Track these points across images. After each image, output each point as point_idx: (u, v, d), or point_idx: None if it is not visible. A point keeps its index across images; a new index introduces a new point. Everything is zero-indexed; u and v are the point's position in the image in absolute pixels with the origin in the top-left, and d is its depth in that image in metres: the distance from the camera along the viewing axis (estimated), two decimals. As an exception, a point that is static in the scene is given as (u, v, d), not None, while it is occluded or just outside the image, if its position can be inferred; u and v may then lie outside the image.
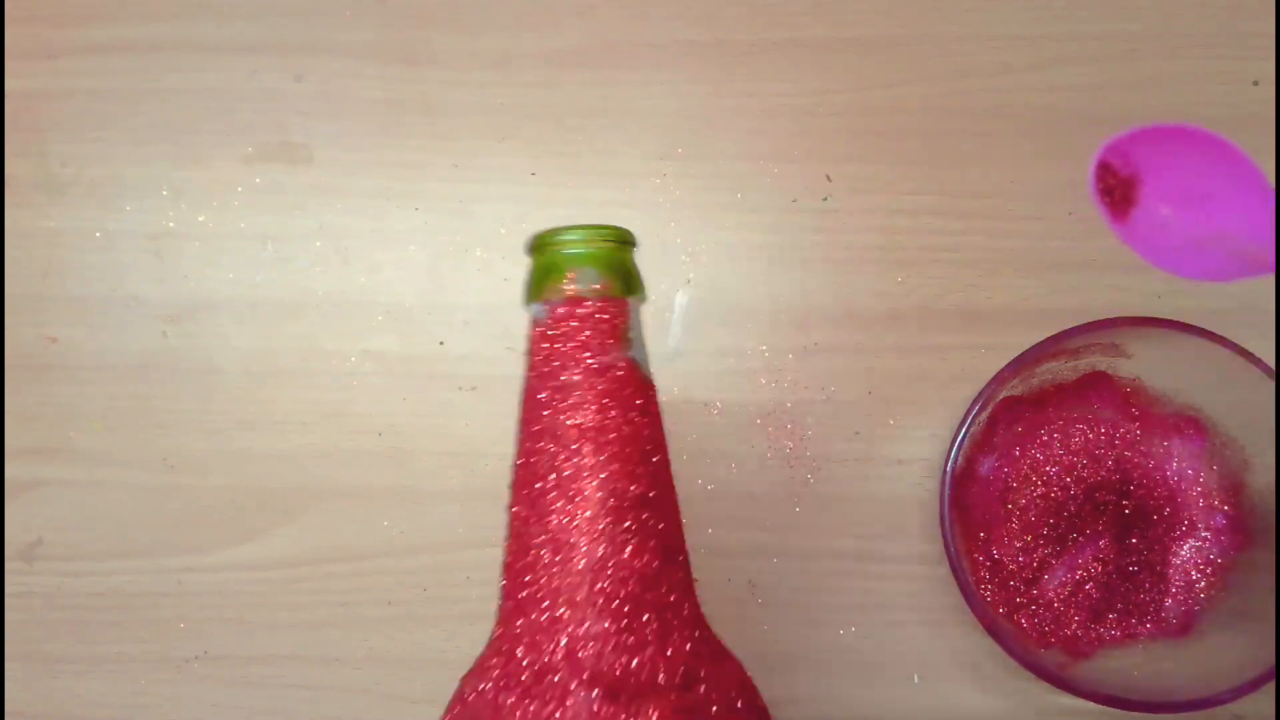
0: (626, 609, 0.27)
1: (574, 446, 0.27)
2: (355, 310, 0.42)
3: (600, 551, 0.27)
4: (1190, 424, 0.38)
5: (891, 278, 0.41)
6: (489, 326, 0.42)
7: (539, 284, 0.29)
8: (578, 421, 0.27)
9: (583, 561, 0.27)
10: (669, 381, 0.42)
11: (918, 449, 0.41)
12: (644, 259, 0.42)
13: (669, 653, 0.27)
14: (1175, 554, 0.38)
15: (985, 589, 0.38)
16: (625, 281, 0.29)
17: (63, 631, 0.42)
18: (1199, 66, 0.42)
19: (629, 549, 0.27)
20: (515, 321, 0.42)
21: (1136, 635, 0.37)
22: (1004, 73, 0.42)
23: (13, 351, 0.43)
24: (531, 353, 0.29)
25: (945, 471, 0.35)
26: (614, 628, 0.26)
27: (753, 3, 0.43)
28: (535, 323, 0.29)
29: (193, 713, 0.41)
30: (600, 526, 0.27)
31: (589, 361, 0.28)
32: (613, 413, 0.28)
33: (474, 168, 0.43)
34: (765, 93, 0.43)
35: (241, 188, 0.43)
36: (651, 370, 0.30)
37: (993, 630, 0.34)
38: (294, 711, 0.41)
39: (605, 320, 0.28)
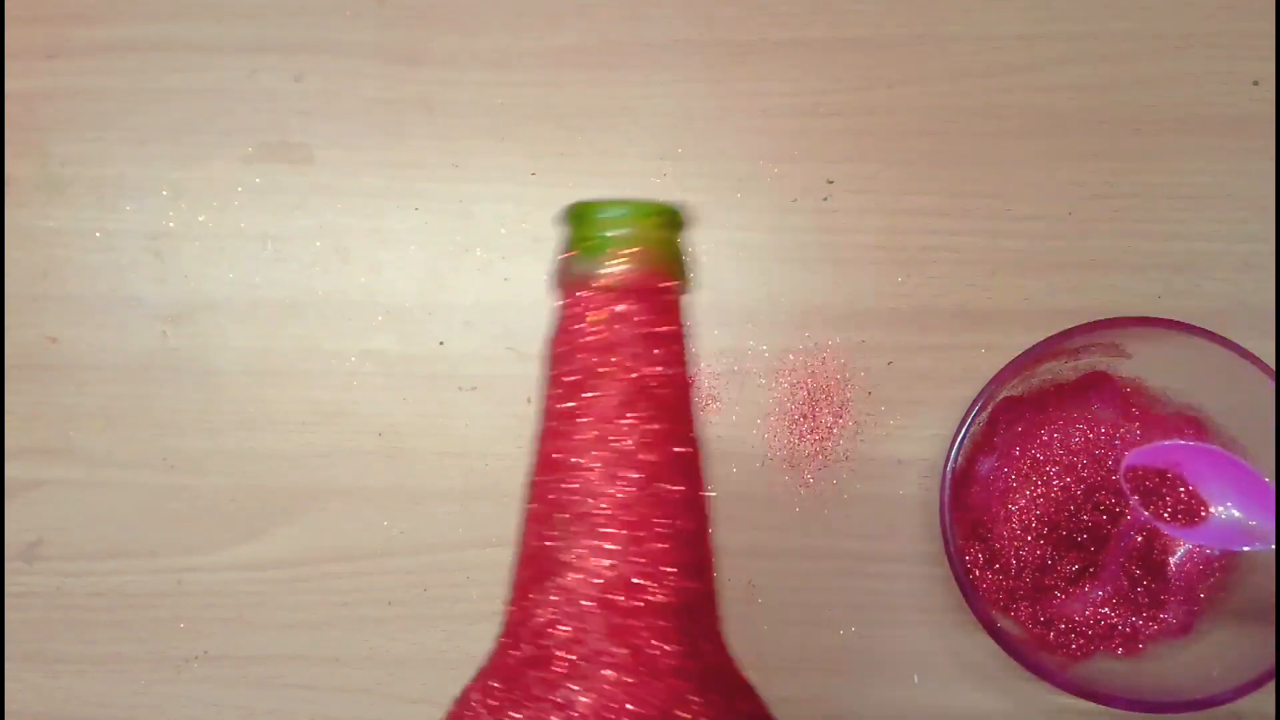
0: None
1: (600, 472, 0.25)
2: (355, 310, 0.42)
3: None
4: (1190, 424, 0.38)
5: (891, 278, 0.41)
6: (489, 326, 0.42)
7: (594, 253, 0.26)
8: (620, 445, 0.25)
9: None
10: (669, 381, 0.42)
11: (918, 449, 0.41)
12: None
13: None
14: (1175, 554, 0.38)
15: (985, 589, 0.38)
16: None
17: (63, 631, 0.42)
18: (1199, 66, 0.42)
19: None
20: (515, 321, 0.42)
21: (1137, 635, 0.37)
22: (1004, 73, 0.42)
23: (13, 351, 0.43)
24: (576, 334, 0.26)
25: (945, 471, 0.35)
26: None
27: (753, 3, 0.43)
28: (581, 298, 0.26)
29: (193, 713, 0.41)
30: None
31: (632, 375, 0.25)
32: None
33: (474, 168, 0.43)
34: (765, 93, 0.43)
35: (241, 188, 0.43)
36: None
37: (993, 630, 0.34)
38: (294, 711, 0.41)
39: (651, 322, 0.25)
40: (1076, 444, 0.39)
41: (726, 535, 0.41)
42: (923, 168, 0.42)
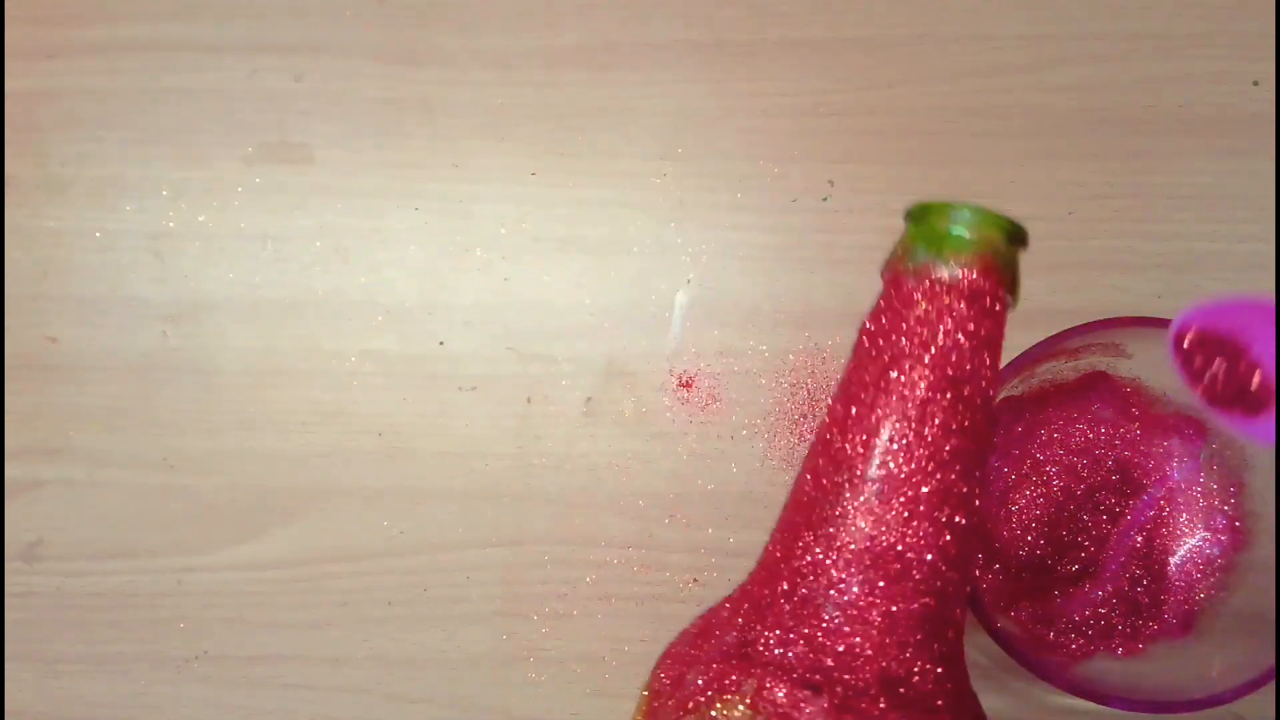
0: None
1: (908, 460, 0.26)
2: (355, 310, 0.42)
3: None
4: (1190, 424, 0.38)
5: (891, 278, 0.41)
6: (489, 326, 0.42)
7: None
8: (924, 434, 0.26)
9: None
10: (668, 381, 0.42)
11: (918, 449, 0.41)
12: (644, 259, 0.42)
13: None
14: (1175, 554, 0.38)
15: (985, 589, 0.38)
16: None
17: (63, 631, 0.42)
18: (1199, 66, 0.42)
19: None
20: (515, 321, 0.42)
21: (1137, 635, 0.37)
22: (1004, 73, 0.42)
23: (13, 351, 0.43)
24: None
25: (945, 471, 0.35)
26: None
27: (753, 3, 0.43)
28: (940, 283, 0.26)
29: (193, 713, 0.41)
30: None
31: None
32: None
33: (474, 168, 0.43)
34: (765, 93, 0.43)
35: (241, 188, 0.43)
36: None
37: (992, 630, 0.34)
38: (294, 711, 0.41)
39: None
40: (1076, 444, 0.39)
41: (727, 535, 0.41)
42: (923, 168, 0.42)
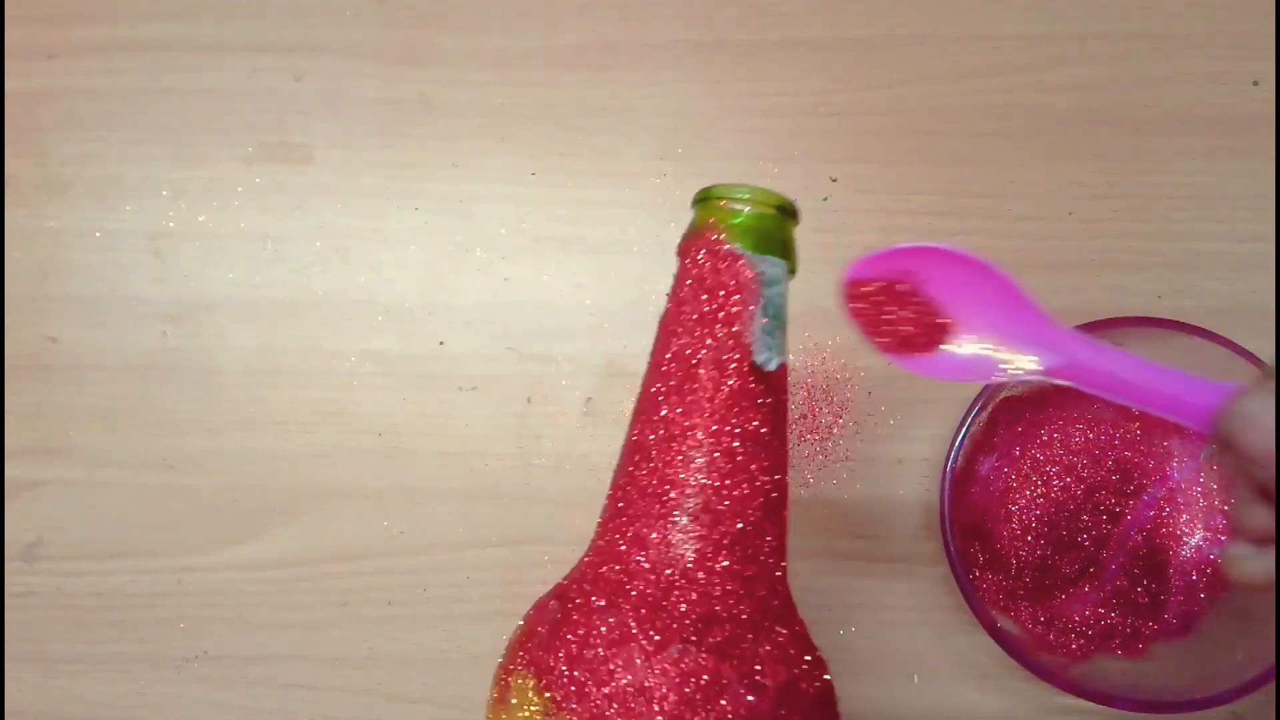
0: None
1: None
2: (355, 310, 0.42)
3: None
4: (1190, 424, 0.38)
5: (891, 278, 0.41)
6: (489, 326, 0.42)
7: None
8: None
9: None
10: (669, 381, 0.42)
11: (918, 449, 0.41)
12: (644, 259, 0.42)
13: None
14: (1175, 554, 0.38)
15: (985, 589, 0.38)
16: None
17: (63, 631, 0.42)
18: (1199, 66, 0.42)
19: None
20: (515, 321, 0.42)
21: (1137, 635, 0.37)
22: (1004, 73, 0.42)
23: (13, 351, 0.43)
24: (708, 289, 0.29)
25: (945, 471, 0.35)
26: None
27: (753, 3, 0.43)
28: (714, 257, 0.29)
29: (193, 713, 0.41)
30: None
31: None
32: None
33: (474, 168, 0.43)
34: (765, 93, 0.43)
35: (241, 188, 0.43)
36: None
37: (993, 630, 0.34)
38: (294, 711, 0.41)
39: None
40: (1076, 444, 0.39)
41: (726, 535, 0.41)
42: (923, 168, 0.42)
